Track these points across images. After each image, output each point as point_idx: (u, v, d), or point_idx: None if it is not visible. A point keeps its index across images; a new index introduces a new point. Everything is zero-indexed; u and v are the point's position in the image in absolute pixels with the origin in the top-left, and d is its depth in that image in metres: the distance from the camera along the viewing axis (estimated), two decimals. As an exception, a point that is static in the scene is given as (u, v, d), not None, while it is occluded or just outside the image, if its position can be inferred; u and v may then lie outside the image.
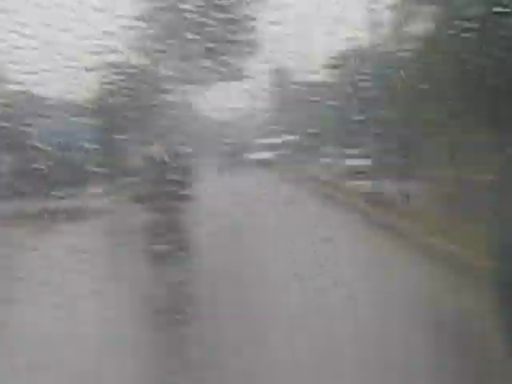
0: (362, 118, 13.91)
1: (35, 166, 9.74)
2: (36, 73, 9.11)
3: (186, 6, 10.36)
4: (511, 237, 2.14)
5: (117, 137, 10.73)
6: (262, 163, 23.84)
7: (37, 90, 10.64)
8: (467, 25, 11.33)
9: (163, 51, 13.19)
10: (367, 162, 16.89)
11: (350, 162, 19.47)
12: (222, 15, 10.70)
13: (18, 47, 8.77)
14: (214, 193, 11.29)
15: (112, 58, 10.26)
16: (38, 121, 10.66)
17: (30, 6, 8.91)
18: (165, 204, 8.95)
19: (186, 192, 9.20)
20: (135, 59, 12.22)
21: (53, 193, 10.30)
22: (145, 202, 9.02)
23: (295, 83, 20.60)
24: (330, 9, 10.28)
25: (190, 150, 11.07)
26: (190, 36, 11.35)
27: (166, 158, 8.94)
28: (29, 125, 10.55)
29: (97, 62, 10.22)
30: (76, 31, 9.09)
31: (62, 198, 10.72)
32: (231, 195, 11.05)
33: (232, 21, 11.86)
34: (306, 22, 13.63)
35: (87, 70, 9.60)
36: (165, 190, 8.90)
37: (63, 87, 9.65)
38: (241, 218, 11.81)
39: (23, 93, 10.67)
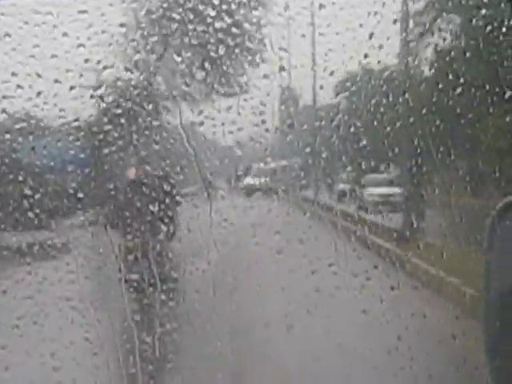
0: (378, 142, 13.93)
1: (10, 192, 10.05)
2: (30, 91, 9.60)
3: (183, 15, 10.54)
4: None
5: (106, 160, 11.09)
6: (264, 189, 23.00)
7: (28, 109, 11.16)
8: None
9: (158, 65, 13.49)
10: (394, 191, 16.24)
11: (372, 191, 18.79)
12: (223, 24, 10.86)
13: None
14: (201, 223, 11.22)
15: (105, 74, 10.72)
16: (26, 142, 11.08)
17: (21, 24, 9.42)
18: (145, 233, 9.16)
19: (169, 223, 9.49)
20: (129, 75, 12.61)
21: (25, 224, 10.29)
22: (124, 231, 9.18)
23: (304, 102, 20.76)
24: (343, 25, 10.78)
25: (180, 174, 11.35)
26: (187, 48, 11.62)
27: (149, 182, 9.29)
28: (17, 146, 10.98)
29: (90, 79, 10.74)
30: (66, 45, 9.57)
31: (35, 228, 10.62)
32: (222, 228, 10.96)
33: (235, 30, 11.85)
34: (318, 38, 13.98)
35: (81, 87, 10.09)
36: (146, 218, 9.13)
37: (56, 106, 10.10)
38: (229, 257, 11.44)
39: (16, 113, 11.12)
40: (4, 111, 9.92)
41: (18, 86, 9.21)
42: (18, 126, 10.70)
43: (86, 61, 9.59)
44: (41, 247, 10.38)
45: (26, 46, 9.52)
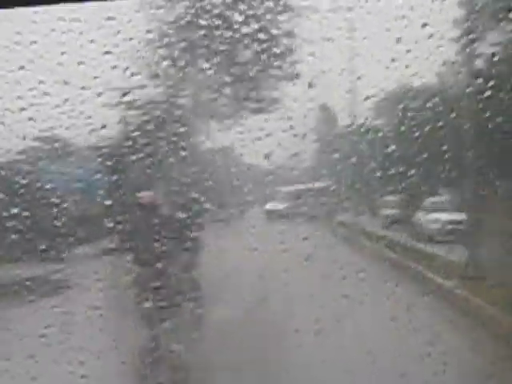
0: (426, 164, 13.33)
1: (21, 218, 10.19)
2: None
3: (210, 23, 10.69)
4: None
5: (124, 183, 11.35)
6: (291, 214, 22.15)
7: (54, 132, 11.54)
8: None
9: (183, 79, 13.70)
10: (462, 217, 14.26)
11: (435, 216, 17.04)
12: (253, 33, 10.96)
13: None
14: (219, 253, 11.25)
15: (132, 81, 11.16)
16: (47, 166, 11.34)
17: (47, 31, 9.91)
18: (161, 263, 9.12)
19: (184, 253, 9.63)
20: (156, 81, 12.98)
21: (33, 255, 10.35)
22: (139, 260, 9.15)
23: (342, 122, 20.85)
24: (370, 30, 11.22)
25: (199, 199, 11.41)
26: (214, 60, 11.92)
27: (164, 209, 9.41)
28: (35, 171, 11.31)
29: (117, 86, 11.18)
30: (93, 52, 10.04)
31: (43, 260, 10.83)
32: (243, 261, 10.84)
33: (266, 40, 12.05)
34: (352, 55, 14.23)
35: (108, 94, 10.44)
36: (162, 247, 9.09)
37: (83, 114, 10.52)
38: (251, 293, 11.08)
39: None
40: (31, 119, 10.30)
41: (45, 93, 9.81)
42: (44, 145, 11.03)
43: (113, 68, 10.04)
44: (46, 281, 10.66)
45: (53, 53, 10.02)
